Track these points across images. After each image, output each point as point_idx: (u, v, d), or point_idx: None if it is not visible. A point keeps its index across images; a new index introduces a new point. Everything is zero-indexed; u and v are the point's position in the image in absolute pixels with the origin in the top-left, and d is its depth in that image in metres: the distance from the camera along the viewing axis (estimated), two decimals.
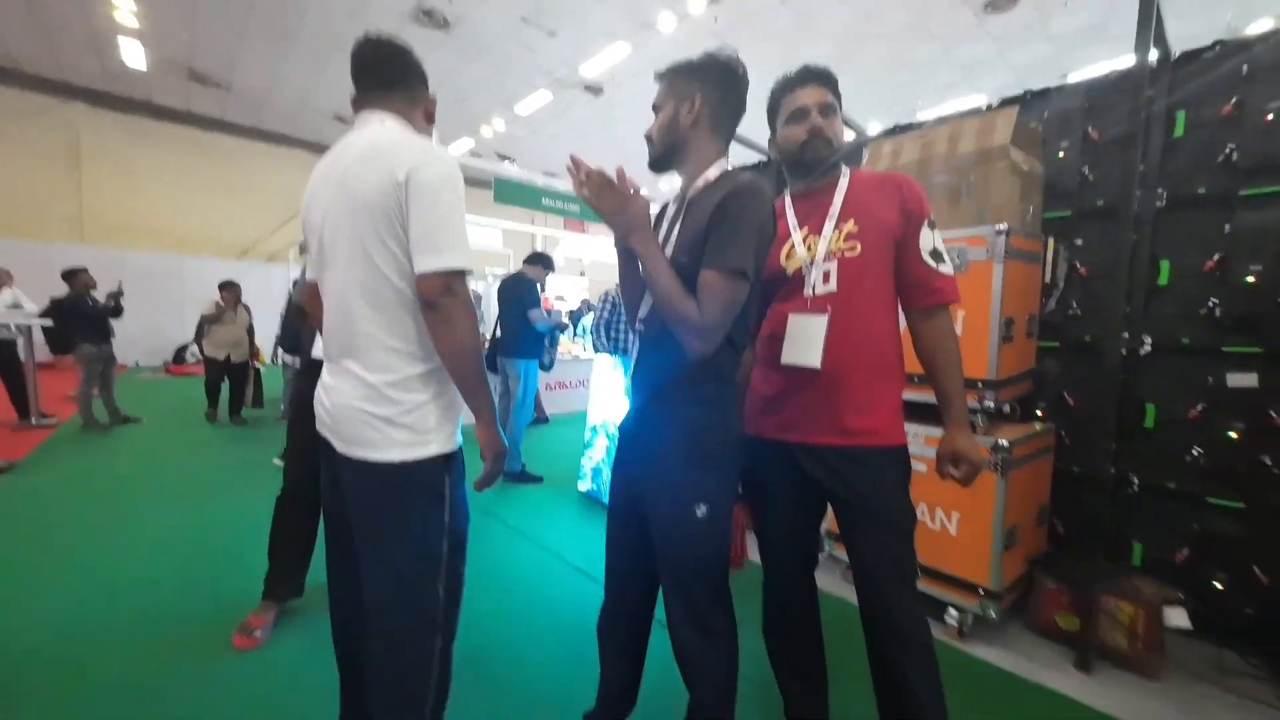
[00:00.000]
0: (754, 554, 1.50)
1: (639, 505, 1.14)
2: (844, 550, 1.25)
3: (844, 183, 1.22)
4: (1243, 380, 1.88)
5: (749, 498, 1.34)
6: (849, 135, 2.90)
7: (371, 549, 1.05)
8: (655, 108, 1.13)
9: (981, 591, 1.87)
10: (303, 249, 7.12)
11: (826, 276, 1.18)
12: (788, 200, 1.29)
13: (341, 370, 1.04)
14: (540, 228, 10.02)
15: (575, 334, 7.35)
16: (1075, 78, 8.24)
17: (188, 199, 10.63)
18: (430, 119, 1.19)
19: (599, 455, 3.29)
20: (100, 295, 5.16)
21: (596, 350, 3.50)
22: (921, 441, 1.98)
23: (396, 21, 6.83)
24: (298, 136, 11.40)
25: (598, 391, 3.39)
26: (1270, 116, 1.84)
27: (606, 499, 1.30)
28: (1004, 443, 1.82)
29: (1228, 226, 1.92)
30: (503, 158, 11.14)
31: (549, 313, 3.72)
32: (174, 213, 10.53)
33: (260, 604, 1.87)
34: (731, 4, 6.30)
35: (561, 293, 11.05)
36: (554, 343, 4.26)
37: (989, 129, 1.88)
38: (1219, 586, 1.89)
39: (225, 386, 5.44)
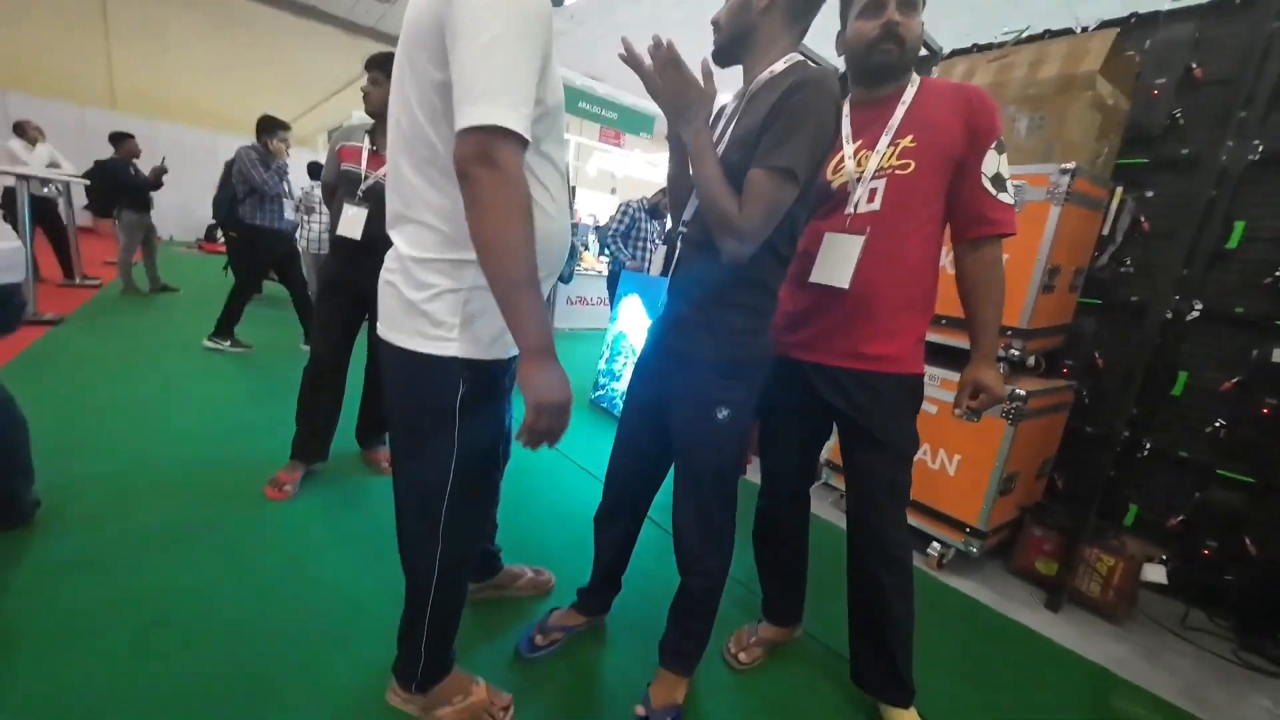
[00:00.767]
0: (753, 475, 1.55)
1: (659, 403, 1.16)
2: (841, 480, 1.29)
3: (910, 93, 1.11)
4: None
5: (762, 409, 1.36)
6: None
7: (392, 433, 1.01)
8: None
9: (968, 530, 1.94)
10: (332, 134, 7.00)
11: (872, 195, 1.11)
12: (846, 107, 1.19)
13: (391, 239, 0.93)
14: (575, 135, 9.57)
15: (602, 251, 7.26)
16: None
17: (219, 71, 10.29)
18: None
19: (618, 367, 3.35)
20: (144, 167, 5.20)
21: (605, 254, 3.50)
22: (937, 384, 1.98)
23: None
24: (328, 10, 10.75)
25: (621, 307, 3.39)
26: None
27: (615, 408, 1.32)
28: (1021, 392, 1.80)
29: None
30: None
31: (575, 226, 3.67)
32: (205, 85, 10.27)
33: (289, 462, 2.03)
34: None
35: (593, 210, 10.76)
36: (574, 255, 4.24)
37: (1079, 53, 1.69)
38: (1205, 553, 1.92)
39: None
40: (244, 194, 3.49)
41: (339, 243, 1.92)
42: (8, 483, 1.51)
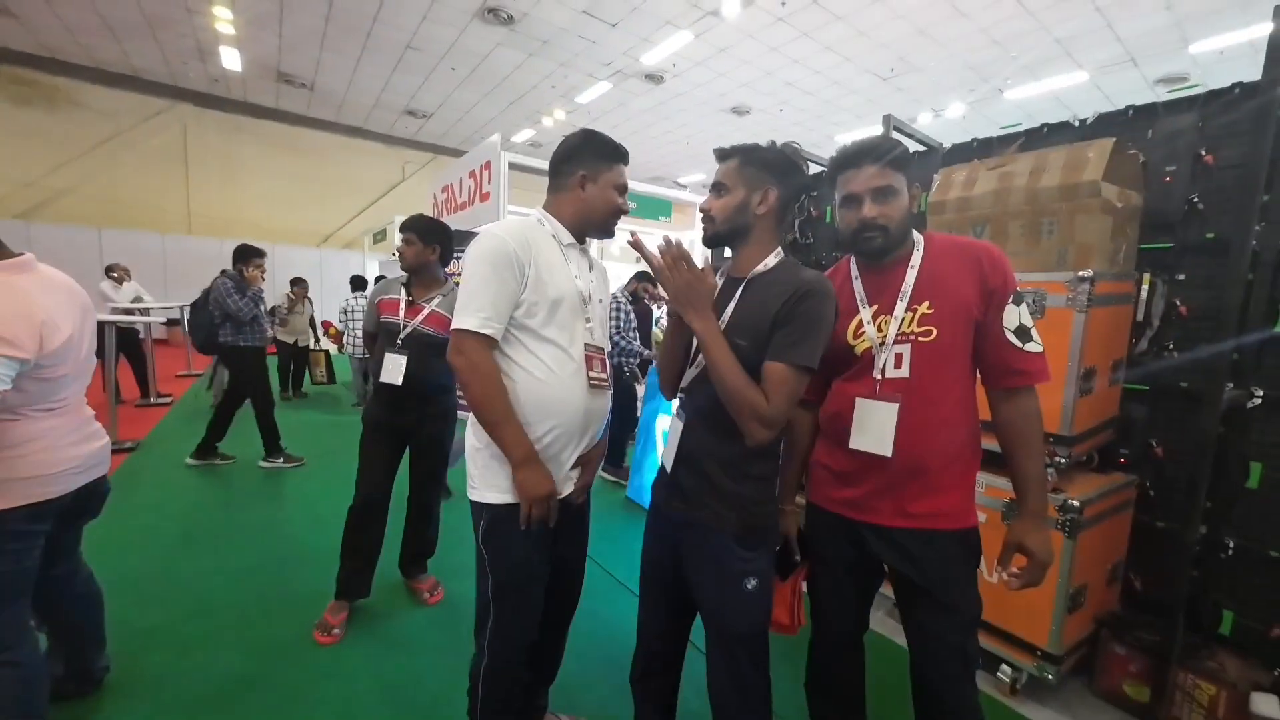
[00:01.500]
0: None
1: (675, 560, 1.20)
2: (890, 587, 1.25)
3: (917, 257, 1.14)
4: None
5: (809, 563, 1.34)
6: (904, 145, 2.72)
7: None
8: (719, 186, 1.13)
9: (1039, 653, 1.79)
10: (376, 237, 7.68)
11: (899, 360, 1.12)
12: (853, 269, 1.23)
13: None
14: None
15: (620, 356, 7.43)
16: (1198, 49, 7.20)
17: (276, 190, 11.51)
18: (571, 185, 1.25)
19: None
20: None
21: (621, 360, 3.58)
22: (982, 490, 1.90)
23: (463, 19, 6.99)
24: (371, 129, 12.00)
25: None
26: None
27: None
28: (1074, 502, 1.71)
29: None
30: None
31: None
32: (265, 204, 11.45)
33: (333, 602, 2.09)
34: None
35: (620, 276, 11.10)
36: (622, 374, 4.29)
37: (1078, 162, 1.71)
38: None
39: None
40: (220, 319, 3.64)
41: (382, 388, 2.05)
42: (82, 658, 1.60)
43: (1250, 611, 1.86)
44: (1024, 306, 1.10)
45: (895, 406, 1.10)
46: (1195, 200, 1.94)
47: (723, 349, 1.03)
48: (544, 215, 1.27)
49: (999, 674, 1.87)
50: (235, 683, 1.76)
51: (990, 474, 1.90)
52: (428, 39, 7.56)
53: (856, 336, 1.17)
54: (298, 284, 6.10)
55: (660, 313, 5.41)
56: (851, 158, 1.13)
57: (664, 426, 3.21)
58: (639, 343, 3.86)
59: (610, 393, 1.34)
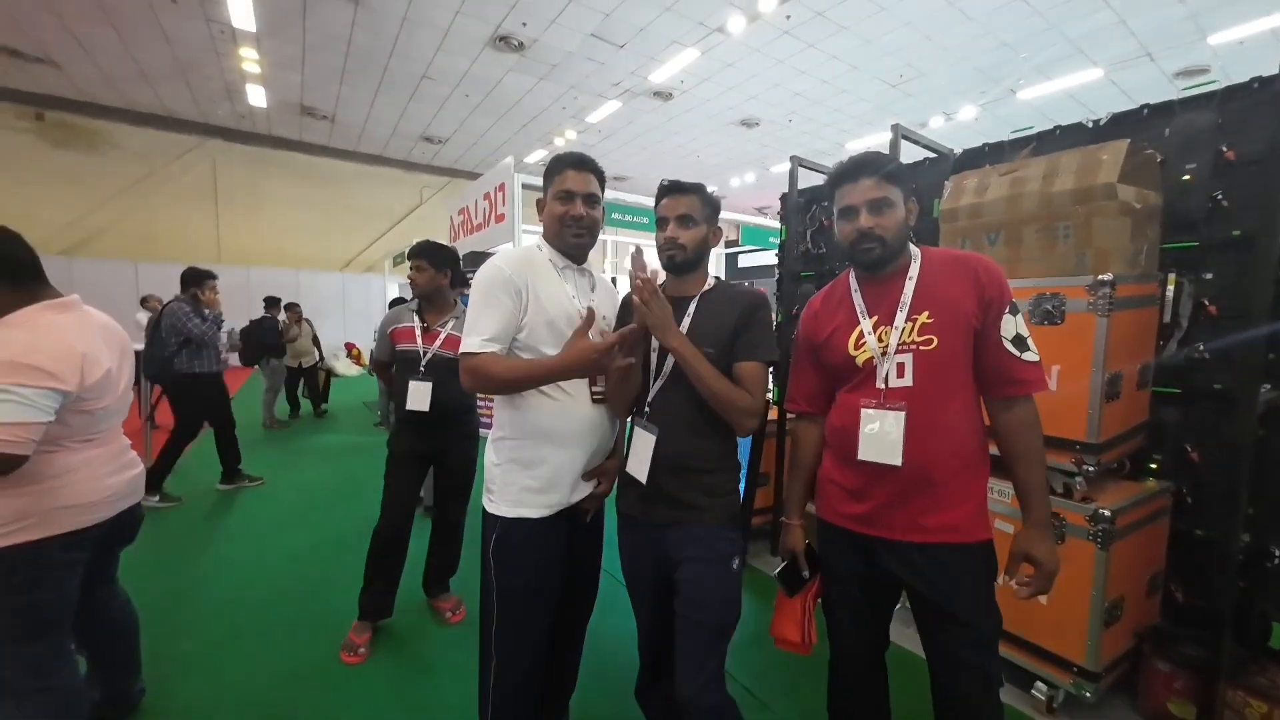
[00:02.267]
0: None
1: (659, 566, 1.27)
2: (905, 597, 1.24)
3: (914, 269, 1.16)
4: None
5: (823, 580, 1.33)
6: (915, 153, 2.71)
7: None
8: (690, 219, 1.24)
9: (1075, 669, 1.72)
10: (396, 260, 7.88)
11: (901, 370, 1.13)
12: (853, 282, 1.25)
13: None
14: (611, 236, 10.18)
15: None
16: (1217, 40, 7.04)
17: (299, 218, 11.92)
18: (540, 210, 1.38)
19: None
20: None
21: None
22: (1007, 500, 1.85)
23: (475, 49, 7.21)
24: (390, 156, 12.37)
25: None
26: None
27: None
28: (1105, 512, 1.65)
29: None
30: None
31: None
32: (289, 231, 11.86)
33: (357, 623, 2.11)
34: None
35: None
36: None
37: (1092, 165, 1.69)
38: None
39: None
40: (178, 345, 3.48)
41: (409, 416, 2.08)
42: (120, 682, 1.65)
43: None
44: (1020, 316, 1.12)
45: (901, 414, 1.10)
46: (1219, 197, 1.90)
47: (702, 360, 1.17)
48: (542, 242, 1.36)
49: (1034, 691, 1.81)
50: (267, 705, 1.79)
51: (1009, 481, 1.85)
52: (442, 69, 7.81)
53: (858, 347, 1.18)
54: (291, 308, 6.22)
55: None
56: (849, 171, 1.16)
57: None
58: None
59: None
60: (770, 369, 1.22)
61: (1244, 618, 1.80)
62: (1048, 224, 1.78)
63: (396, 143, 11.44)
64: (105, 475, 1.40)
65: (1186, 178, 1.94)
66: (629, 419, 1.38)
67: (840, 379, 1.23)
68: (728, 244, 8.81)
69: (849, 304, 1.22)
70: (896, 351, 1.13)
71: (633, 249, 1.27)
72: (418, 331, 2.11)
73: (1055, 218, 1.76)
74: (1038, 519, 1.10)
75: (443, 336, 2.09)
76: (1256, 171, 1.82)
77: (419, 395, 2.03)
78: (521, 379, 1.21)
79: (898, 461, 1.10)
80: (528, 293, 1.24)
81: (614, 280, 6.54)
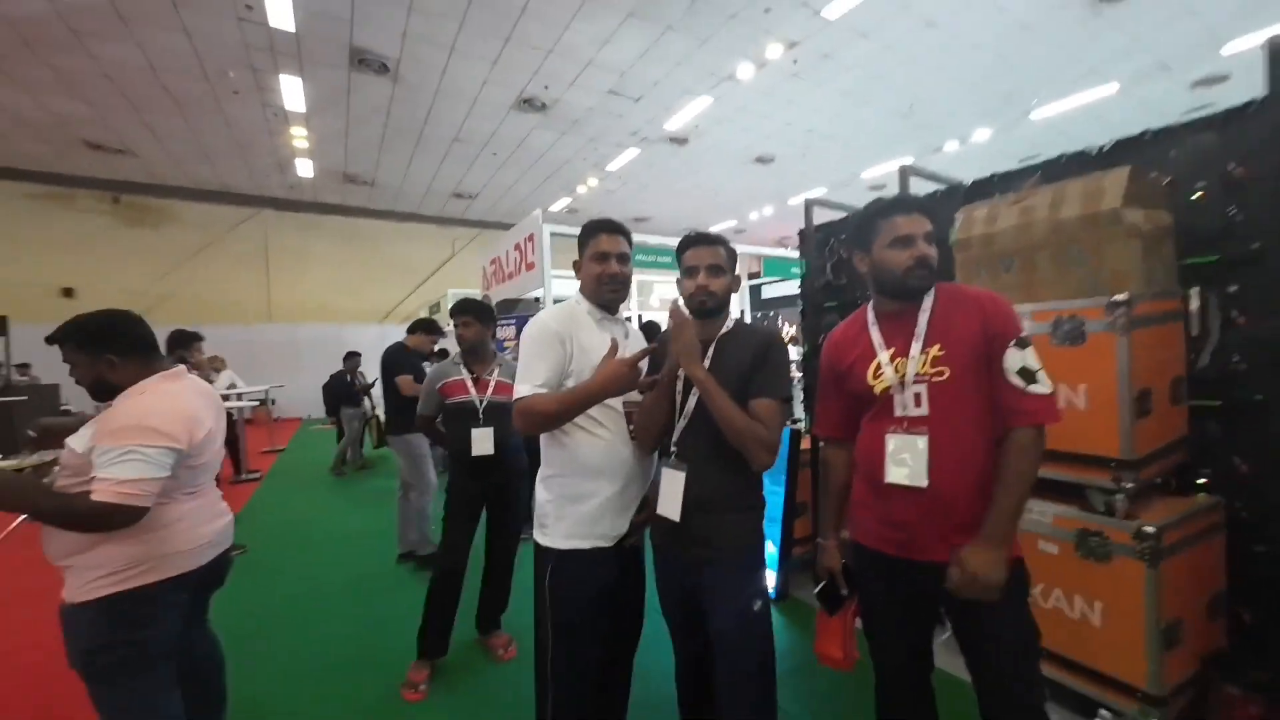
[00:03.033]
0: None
1: (692, 605, 1.35)
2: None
3: (929, 303, 1.24)
4: None
5: (861, 602, 1.38)
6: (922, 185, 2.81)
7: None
8: (719, 269, 1.36)
9: (1139, 694, 1.68)
10: (431, 310, 8.24)
11: (918, 399, 1.21)
12: (871, 315, 1.34)
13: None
14: (638, 275, 10.47)
15: None
16: (1232, 50, 6.99)
17: (341, 275, 12.68)
18: (576, 270, 1.54)
19: None
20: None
21: None
22: (1050, 520, 1.85)
23: (501, 112, 7.74)
24: (424, 213, 13.15)
25: None
26: None
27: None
28: (1149, 529, 1.65)
29: None
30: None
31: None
32: (333, 289, 12.60)
33: (415, 662, 2.20)
34: (809, 44, 6.34)
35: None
36: None
37: (1095, 192, 1.77)
38: None
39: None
40: None
41: (474, 462, 2.22)
42: (210, 718, 1.77)
43: None
44: (1030, 350, 1.17)
45: (924, 439, 1.17)
46: (1233, 213, 1.93)
47: (724, 395, 1.24)
48: (579, 297, 1.51)
49: (1098, 718, 1.76)
50: None
51: (1057, 503, 1.86)
52: (471, 131, 8.39)
53: (876, 377, 1.26)
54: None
55: None
56: (902, 205, 1.26)
57: None
58: None
59: None
60: (787, 404, 1.31)
61: None
62: (1060, 249, 1.85)
63: (430, 200, 12.17)
64: (204, 523, 1.57)
65: (1198, 195, 1.99)
66: (655, 459, 1.48)
67: (863, 407, 1.31)
68: (751, 276, 8.95)
69: (867, 336, 1.31)
70: (914, 382, 1.21)
71: (671, 303, 1.41)
72: (469, 383, 2.28)
73: (1067, 242, 1.82)
74: (988, 533, 1.11)
75: (493, 384, 2.26)
76: (1268, 189, 1.86)
77: (483, 441, 2.19)
78: (567, 406, 1.31)
79: (924, 484, 1.17)
80: (572, 343, 1.38)
81: (640, 317, 6.74)
